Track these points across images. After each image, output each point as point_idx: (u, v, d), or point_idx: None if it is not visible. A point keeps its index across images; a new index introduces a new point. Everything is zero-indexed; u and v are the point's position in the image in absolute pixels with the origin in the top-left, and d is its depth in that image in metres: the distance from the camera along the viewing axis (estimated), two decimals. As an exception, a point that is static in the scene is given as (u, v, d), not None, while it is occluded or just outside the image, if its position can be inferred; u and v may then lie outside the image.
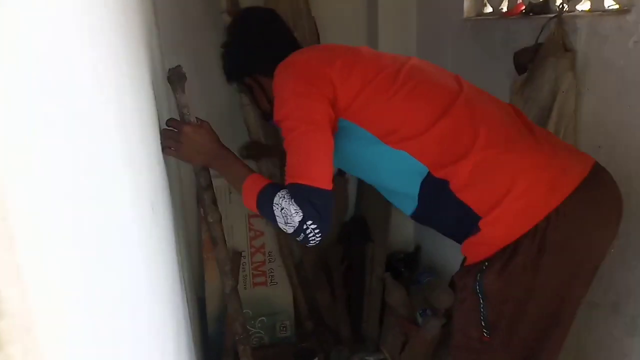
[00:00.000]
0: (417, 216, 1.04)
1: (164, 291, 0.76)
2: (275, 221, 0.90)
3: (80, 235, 0.29)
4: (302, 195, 0.87)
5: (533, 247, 0.86)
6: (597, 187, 0.92)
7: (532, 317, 0.89)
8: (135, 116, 0.71)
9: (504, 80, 1.42)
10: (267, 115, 1.20)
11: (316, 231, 0.88)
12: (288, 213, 0.87)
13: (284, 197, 0.88)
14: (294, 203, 0.87)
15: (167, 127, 1.04)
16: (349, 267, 2.00)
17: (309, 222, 0.87)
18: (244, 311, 1.84)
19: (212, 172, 1.13)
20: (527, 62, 1.32)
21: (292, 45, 1.10)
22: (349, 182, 2.09)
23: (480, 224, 0.90)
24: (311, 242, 0.90)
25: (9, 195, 0.16)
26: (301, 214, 0.86)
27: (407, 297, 1.83)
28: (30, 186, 0.20)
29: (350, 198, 2.09)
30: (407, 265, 2.02)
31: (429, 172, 0.93)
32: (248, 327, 1.88)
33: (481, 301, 0.91)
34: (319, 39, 1.85)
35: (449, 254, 1.78)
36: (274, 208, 0.89)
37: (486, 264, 0.90)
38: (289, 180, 0.90)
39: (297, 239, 0.90)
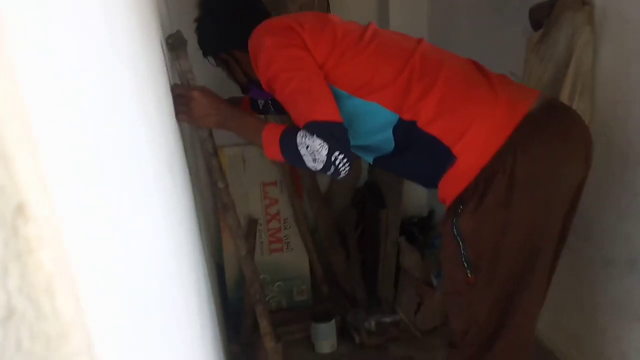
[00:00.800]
0: (395, 165, 1.07)
1: (183, 244, 0.79)
2: (303, 162, 0.93)
3: (105, 170, 0.30)
4: (321, 129, 0.90)
5: (502, 184, 0.89)
6: (561, 122, 0.95)
7: (510, 254, 0.93)
8: (150, 82, 0.72)
9: (520, 38, 1.39)
10: (244, 89, 1.26)
11: (344, 161, 0.91)
12: (314, 149, 0.89)
13: (305, 135, 0.91)
14: (317, 138, 0.89)
15: (175, 94, 1.05)
16: (363, 232, 2.02)
17: (336, 153, 0.90)
18: (262, 276, 1.89)
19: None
20: (543, 17, 1.29)
21: (265, 17, 1.11)
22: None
23: (455, 151, 0.93)
24: (342, 172, 0.93)
25: (33, 107, 0.17)
26: (326, 147, 0.89)
27: (421, 260, 1.85)
28: (57, 104, 0.21)
29: (363, 164, 2.09)
30: (421, 230, 2.03)
31: (399, 118, 0.98)
32: (266, 292, 1.93)
33: (460, 243, 0.95)
34: (329, 7, 1.84)
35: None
36: (299, 148, 0.91)
37: (460, 207, 0.94)
38: (302, 123, 0.92)
39: (328, 173, 0.93)
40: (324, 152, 0.89)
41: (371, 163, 1.11)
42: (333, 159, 0.89)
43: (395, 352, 1.80)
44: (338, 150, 0.89)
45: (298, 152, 0.91)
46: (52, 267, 0.17)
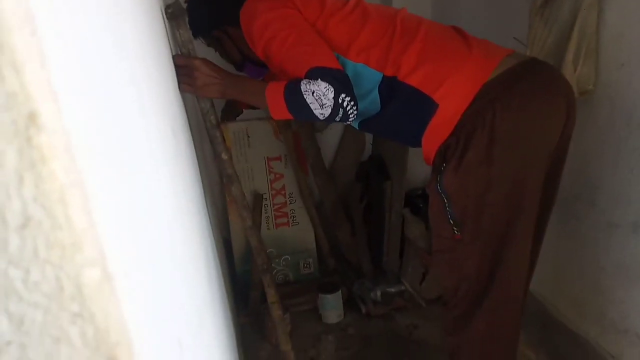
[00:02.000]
0: (380, 124, 1.08)
1: (189, 206, 0.80)
2: (310, 111, 0.93)
3: (113, 96, 0.31)
4: (325, 73, 0.91)
5: (483, 140, 0.90)
6: (539, 76, 0.96)
7: (494, 209, 0.94)
8: (152, 48, 0.72)
9: (524, 4, 1.37)
10: (238, 66, 1.27)
11: (352, 103, 0.92)
12: (320, 93, 0.90)
13: (309, 82, 0.92)
14: (321, 81, 0.90)
15: (177, 65, 1.05)
16: (368, 205, 2.03)
17: (343, 95, 0.91)
18: (268, 250, 1.92)
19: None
20: (547, -20, 1.27)
21: None
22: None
23: (436, 98, 0.95)
24: (350, 116, 0.94)
25: (42, 18, 0.17)
26: (332, 88, 0.90)
27: (425, 230, 1.86)
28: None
29: (367, 137, 2.09)
30: (425, 201, 2.03)
31: (383, 76, 1.00)
32: (273, 265, 1.96)
33: (445, 201, 0.96)
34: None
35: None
36: (305, 96, 0.92)
37: (443, 165, 0.95)
38: (304, 72, 0.94)
39: (337, 118, 0.94)
40: (331, 94, 0.90)
41: (357, 128, 1.13)
42: (340, 101, 0.90)
43: (401, 321, 1.83)
44: (344, 92, 0.90)
45: (304, 100, 0.92)
46: (65, 177, 0.18)
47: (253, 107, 1.42)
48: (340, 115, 0.94)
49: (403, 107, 1.01)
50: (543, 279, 1.21)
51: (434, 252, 1.08)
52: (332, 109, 0.92)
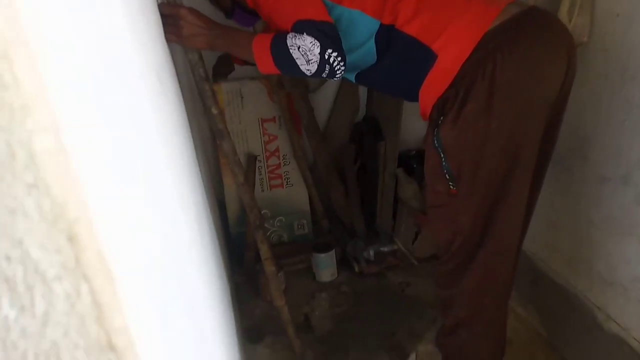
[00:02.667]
0: (377, 77, 1.05)
1: (178, 153, 0.79)
2: (297, 67, 0.92)
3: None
4: (311, 27, 0.89)
5: (483, 91, 0.88)
6: (540, 25, 0.93)
7: (491, 162, 0.93)
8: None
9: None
10: (228, 13, 1.23)
11: (339, 59, 0.90)
12: (306, 48, 0.88)
13: (295, 36, 0.90)
14: (307, 36, 0.88)
15: (163, 14, 1.02)
16: (362, 166, 2.03)
17: (329, 51, 0.89)
18: (263, 211, 1.92)
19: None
20: None
21: None
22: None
23: (435, 48, 0.93)
24: (337, 72, 0.92)
25: None
26: (318, 44, 0.88)
27: (419, 191, 1.87)
28: None
29: (361, 98, 2.07)
30: (419, 161, 2.03)
31: (380, 24, 0.97)
32: (267, 226, 1.97)
33: (442, 154, 0.95)
34: None
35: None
36: (291, 51, 0.90)
37: (441, 118, 0.93)
38: (290, 25, 0.91)
39: (324, 74, 0.92)
40: (317, 50, 0.87)
41: (353, 81, 1.11)
42: (327, 56, 0.88)
43: (393, 279, 1.85)
44: (331, 47, 0.88)
45: (290, 55, 0.90)
46: (8, 31, 0.17)
47: (248, 63, 1.39)
48: (326, 72, 0.91)
49: (400, 58, 0.99)
50: (534, 235, 1.22)
51: (429, 207, 1.07)
52: (318, 65, 0.89)
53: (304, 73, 0.92)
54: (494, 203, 0.97)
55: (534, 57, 0.90)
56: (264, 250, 1.40)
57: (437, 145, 0.95)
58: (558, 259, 1.47)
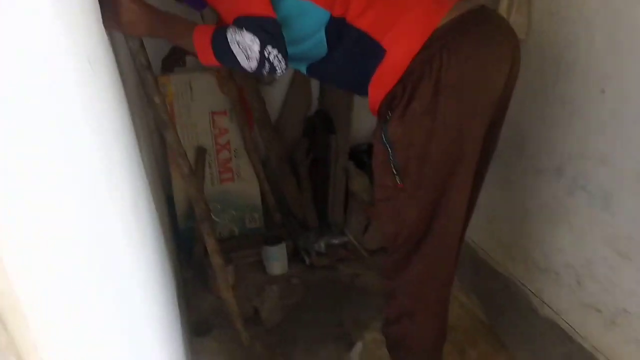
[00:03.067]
0: (328, 69, 1.05)
1: (115, 152, 0.77)
2: (237, 62, 0.90)
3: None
4: (251, 23, 0.87)
5: (429, 89, 0.90)
6: (487, 24, 0.96)
7: (436, 158, 0.96)
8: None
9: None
10: None
11: (279, 56, 0.89)
12: (245, 45, 0.87)
13: (235, 31, 0.88)
14: (246, 32, 0.87)
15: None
16: (314, 159, 2.04)
17: (269, 47, 0.87)
18: (213, 205, 1.89)
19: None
20: None
21: None
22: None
23: (384, 44, 0.94)
24: (277, 69, 0.91)
25: None
26: (258, 41, 0.86)
27: (369, 184, 1.89)
28: None
29: (313, 92, 2.07)
30: (369, 155, 2.06)
31: (330, 16, 0.97)
32: (218, 219, 1.94)
33: (389, 150, 0.97)
34: None
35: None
36: (232, 47, 0.89)
37: (389, 113, 0.95)
38: (232, 19, 0.90)
39: (264, 70, 0.91)
40: (256, 47, 0.86)
41: (305, 73, 1.11)
42: (266, 54, 0.87)
43: (344, 270, 1.88)
44: (270, 44, 0.87)
45: (230, 50, 0.89)
46: None
47: None
48: (267, 69, 0.91)
49: (351, 51, 0.99)
50: (475, 226, 1.26)
51: (376, 201, 1.09)
52: (258, 62, 0.89)
53: (245, 68, 0.91)
54: (438, 197, 1.00)
55: (479, 56, 0.92)
56: (211, 243, 1.38)
57: (385, 140, 0.97)
58: (498, 249, 1.54)
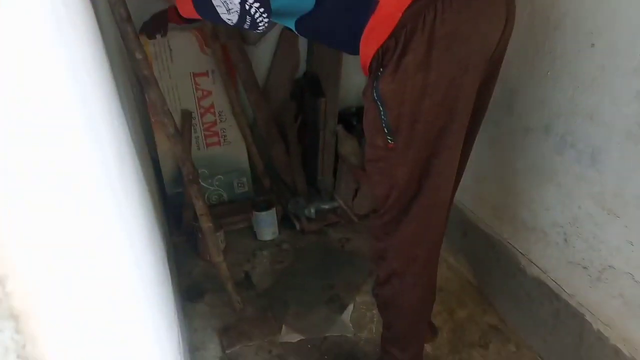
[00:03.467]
0: (317, 24, 1.01)
1: (96, 106, 0.73)
2: (218, 15, 0.87)
3: None
4: None
5: (422, 44, 0.86)
6: None
7: (428, 115, 0.93)
8: None
9: None
10: None
11: (261, 10, 0.86)
12: None
13: None
14: None
15: None
16: (302, 123, 2.01)
17: (251, 1, 0.84)
18: (200, 171, 1.87)
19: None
20: None
21: None
22: (299, 38, 2.01)
23: None
24: (260, 24, 0.88)
25: None
26: None
27: (358, 147, 1.88)
28: None
29: (301, 54, 2.03)
30: (359, 119, 2.04)
31: None
32: (206, 185, 1.93)
33: (380, 108, 0.93)
34: None
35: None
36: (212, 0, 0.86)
37: (381, 70, 0.91)
38: None
39: (246, 26, 0.88)
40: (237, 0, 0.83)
41: (294, 29, 1.07)
42: (247, 7, 0.84)
43: (333, 235, 1.88)
44: None
45: (210, 2, 0.85)
46: None
47: (187, 22, 1.30)
48: (248, 23, 0.87)
49: (341, 3, 0.95)
50: (464, 187, 1.25)
51: (367, 162, 1.07)
52: (239, 15, 0.85)
53: (225, 22, 0.87)
54: (429, 157, 0.98)
55: (474, 9, 0.88)
56: (199, 206, 1.36)
57: (376, 98, 0.94)
58: (486, 209, 1.54)
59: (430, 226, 1.09)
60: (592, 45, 1.07)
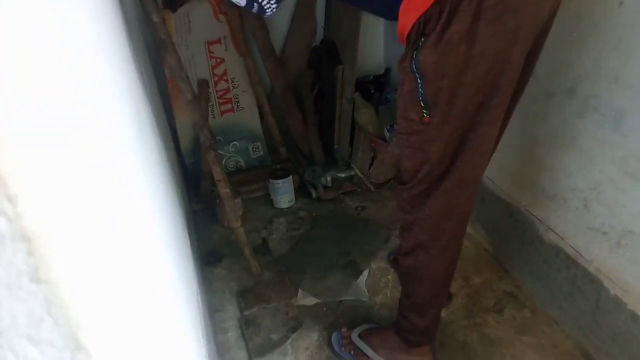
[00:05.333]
0: None
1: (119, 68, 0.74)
2: None
3: None
4: None
5: (469, 12, 0.79)
6: None
7: (469, 89, 0.87)
8: None
9: None
10: None
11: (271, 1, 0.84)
12: None
13: None
14: None
15: None
16: (319, 92, 2.00)
17: None
18: (217, 138, 1.88)
19: None
20: None
21: None
22: (317, 5, 1.98)
23: None
24: (267, 10, 0.86)
25: None
26: None
27: (376, 115, 1.86)
28: None
29: (319, 21, 2.00)
30: (376, 87, 2.02)
31: None
32: (222, 152, 1.94)
33: (419, 80, 0.87)
34: None
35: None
36: None
37: (422, 39, 0.84)
38: None
39: (254, 10, 0.86)
40: None
41: None
42: None
43: (350, 203, 1.89)
44: None
45: None
46: None
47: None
48: (255, 10, 0.85)
49: None
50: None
51: (397, 134, 1.01)
52: (247, 0, 0.84)
53: (236, 4, 0.86)
54: (466, 132, 0.92)
55: None
56: (217, 172, 1.38)
57: (414, 69, 0.86)
58: (505, 177, 1.52)
59: (461, 201, 1.04)
60: (621, 3, 1.03)
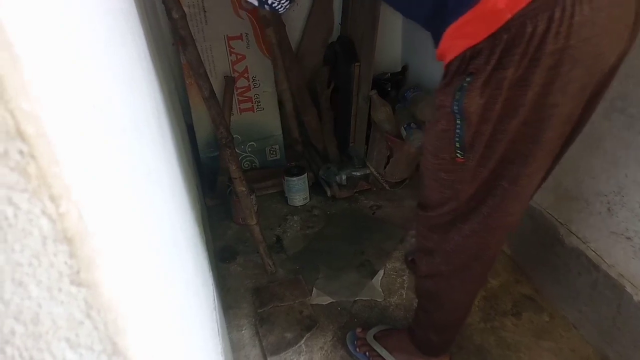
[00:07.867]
0: None
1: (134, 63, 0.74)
2: None
3: None
4: None
5: (525, 57, 0.69)
6: None
7: (512, 135, 0.77)
8: None
9: None
10: None
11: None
12: None
13: None
14: None
15: None
16: (335, 89, 1.98)
17: None
18: (234, 136, 1.88)
19: None
20: None
21: None
22: (333, 0, 1.96)
23: None
24: (279, 10, 0.86)
25: None
26: None
27: (392, 114, 1.84)
28: None
29: (335, 17, 1.98)
30: (393, 85, 2.00)
31: None
32: (238, 151, 1.93)
33: (458, 122, 0.77)
34: None
35: (437, 73, 1.75)
36: None
37: (467, 79, 0.73)
38: None
39: (266, 7, 0.86)
40: None
41: None
42: None
43: (364, 202, 1.87)
44: None
45: None
46: None
47: None
48: (267, 8, 0.85)
49: None
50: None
51: (424, 168, 0.91)
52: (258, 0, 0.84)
53: (250, 2, 0.86)
54: (500, 178, 0.83)
55: (599, 25, 0.67)
56: (233, 170, 1.37)
57: (456, 111, 0.76)
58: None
59: (491, 244, 0.94)
60: (652, 2, 1.00)
